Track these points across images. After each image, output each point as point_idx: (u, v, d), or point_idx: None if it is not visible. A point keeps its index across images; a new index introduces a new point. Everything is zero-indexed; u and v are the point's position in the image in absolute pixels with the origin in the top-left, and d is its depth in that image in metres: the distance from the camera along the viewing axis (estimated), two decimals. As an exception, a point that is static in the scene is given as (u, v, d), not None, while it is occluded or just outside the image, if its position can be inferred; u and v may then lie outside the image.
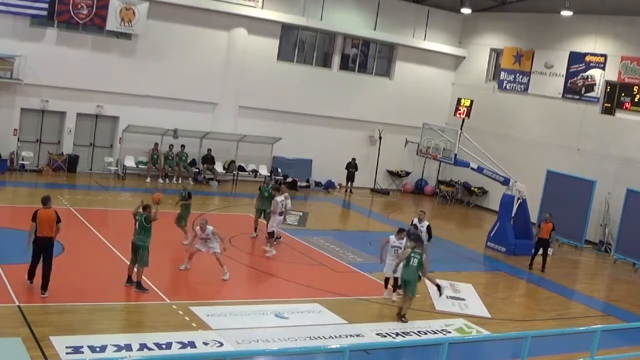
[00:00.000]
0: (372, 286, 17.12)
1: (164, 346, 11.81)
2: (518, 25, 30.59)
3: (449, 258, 21.02)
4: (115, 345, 11.52)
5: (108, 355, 11.09)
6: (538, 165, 27.56)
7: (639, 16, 25.69)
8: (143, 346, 11.72)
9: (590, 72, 27.43)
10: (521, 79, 30.15)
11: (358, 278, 17.80)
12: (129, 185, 25.86)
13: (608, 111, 26.91)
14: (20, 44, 24.40)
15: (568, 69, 28.19)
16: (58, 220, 13.55)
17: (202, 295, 15.31)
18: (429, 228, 18.53)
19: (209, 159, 28.35)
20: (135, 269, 14.52)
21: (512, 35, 30.76)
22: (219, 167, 28.69)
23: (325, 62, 31.40)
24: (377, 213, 28.14)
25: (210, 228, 15.78)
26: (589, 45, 27.59)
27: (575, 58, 27.94)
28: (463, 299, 16.97)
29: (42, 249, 13.41)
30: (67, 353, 11.04)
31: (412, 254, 14.76)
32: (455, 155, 23.38)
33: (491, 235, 23.51)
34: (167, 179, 27.05)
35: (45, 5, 24.10)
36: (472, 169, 23.57)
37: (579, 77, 27.80)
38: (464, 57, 33.02)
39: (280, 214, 18.82)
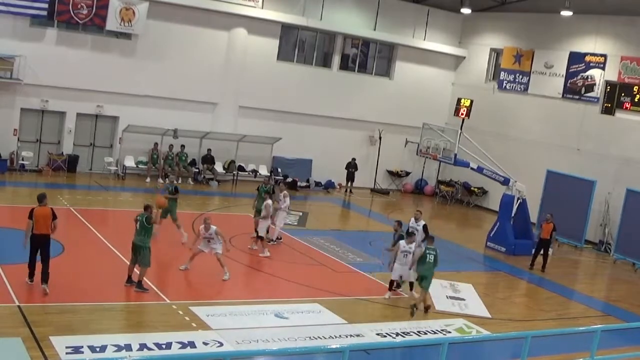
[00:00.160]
0: (372, 286, 17.13)
1: (164, 346, 11.81)
2: (518, 25, 30.58)
3: (449, 258, 20.88)
4: (115, 345, 11.53)
5: (108, 355, 11.10)
6: (538, 165, 27.56)
7: (639, 16, 25.69)
8: (143, 346, 11.73)
9: (590, 72, 27.42)
10: (521, 79, 30.14)
11: (358, 278, 17.81)
12: (128, 185, 25.87)
13: (608, 111, 26.90)
14: (20, 44, 24.40)
15: (568, 69, 28.19)
16: (54, 217, 13.65)
17: (202, 295, 15.31)
18: (425, 227, 18.57)
19: (208, 159, 28.35)
20: (135, 269, 14.53)
21: (512, 35, 30.76)
22: (219, 167, 28.69)
23: (325, 62, 31.40)
24: (377, 213, 28.14)
25: (214, 228, 15.78)
26: (589, 45, 27.58)
27: (575, 58, 27.93)
28: (463, 299, 16.99)
29: (39, 246, 13.53)
30: (67, 353, 11.04)
31: (428, 251, 15.63)
32: (455, 155, 23.38)
33: (491, 235, 23.51)
34: (167, 179, 26.94)
35: (45, 5, 24.10)
36: (472, 169, 23.57)
37: (579, 77, 27.80)
38: (464, 57, 33.01)
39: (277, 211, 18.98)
